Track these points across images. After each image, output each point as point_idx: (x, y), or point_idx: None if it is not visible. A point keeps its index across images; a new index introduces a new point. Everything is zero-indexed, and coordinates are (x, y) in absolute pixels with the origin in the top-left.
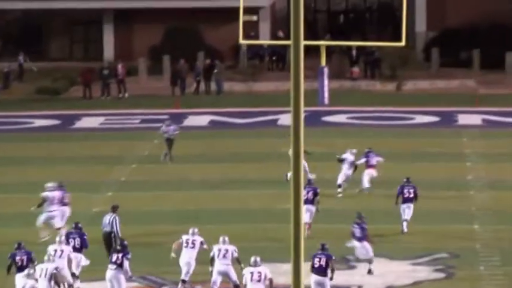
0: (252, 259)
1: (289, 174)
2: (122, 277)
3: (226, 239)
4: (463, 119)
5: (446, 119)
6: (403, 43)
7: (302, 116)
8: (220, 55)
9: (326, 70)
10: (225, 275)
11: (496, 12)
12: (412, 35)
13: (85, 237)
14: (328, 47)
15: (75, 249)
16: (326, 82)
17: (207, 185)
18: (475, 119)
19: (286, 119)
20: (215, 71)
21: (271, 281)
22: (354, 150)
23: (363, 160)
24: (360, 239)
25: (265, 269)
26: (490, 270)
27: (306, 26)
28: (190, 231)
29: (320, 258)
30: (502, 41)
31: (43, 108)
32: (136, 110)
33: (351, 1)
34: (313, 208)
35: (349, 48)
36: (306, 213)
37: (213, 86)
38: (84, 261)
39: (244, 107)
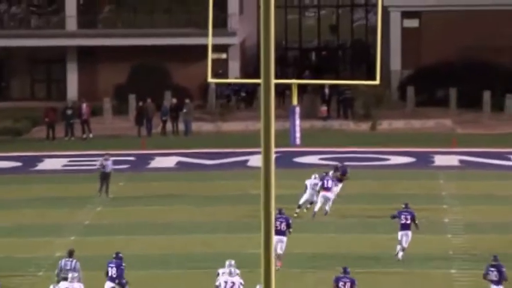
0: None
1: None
2: None
3: (233, 270)
4: (440, 160)
5: (422, 160)
6: (377, 81)
7: (273, 157)
8: (188, 94)
9: (298, 109)
10: None
11: (472, 49)
12: (386, 73)
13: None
14: (300, 86)
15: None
16: (298, 122)
17: (174, 228)
18: (452, 160)
19: (256, 160)
20: (184, 110)
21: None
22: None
23: (319, 184)
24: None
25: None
26: None
27: (277, 64)
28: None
29: (345, 283)
30: (479, 79)
31: (4, 149)
32: (101, 151)
33: (323, 38)
34: (284, 239)
35: (322, 86)
36: (278, 244)
37: (181, 126)
38: None
39: (213, 147)
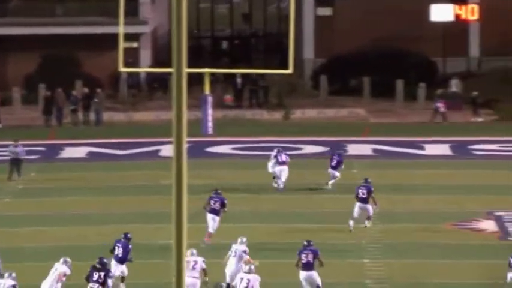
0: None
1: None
2: None
3: (195, 251)
4: (353, 149)
5: (335, 149)
6: (290, 70)
7: (185, 146)
8: (99, 83)
9: (210, 99)
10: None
11: (386, 38)
12: (299, 62)
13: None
14: (212, 75)
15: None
16: (210, 111)
17: (86, 219)
18: (365, 149)
19: (168, 150)
20: (95, 100)
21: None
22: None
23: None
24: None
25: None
26: None
27: (189, 53)
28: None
29: (307, 254)
30: (392, 68)
31: None
32: (10, 142)
33: (236, 27)
34: (217, 218)
35: (234, 76)
36: (210, 222)
37: (92, 115)
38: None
39: (124, 137)
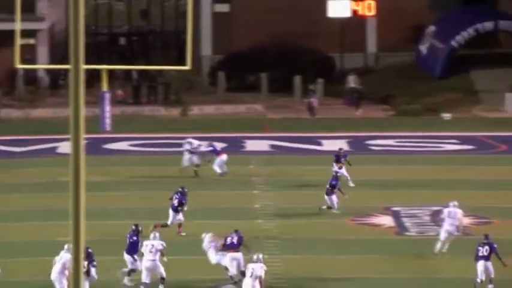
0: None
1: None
2: (87, 284)
3: (157, 234)
4: (251, 145)
5: (233, 145)
6: (188, 67)
7: (82, 143)
8: None
9: (108, 95)
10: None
11: (283, 35)
12: (197, 58)
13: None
14: (110, 72)
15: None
16: (108, 108)
17: None
18: (263, 145)
19: (65, 147)
20: None
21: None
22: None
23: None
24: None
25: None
26: None
27: (86, 49)
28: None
29: (232, 237)
30: (290, 64)
31: None
32: None
33: (134, 23)
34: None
35: (131, 72)
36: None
37: None
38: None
39: (21, 134)
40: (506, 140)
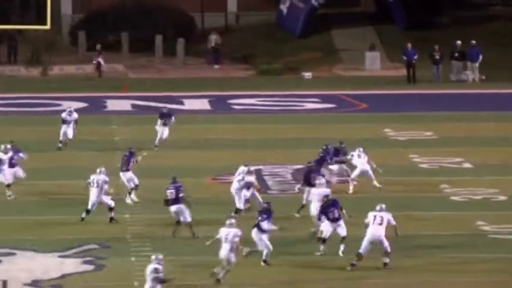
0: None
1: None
2: None
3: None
4: (112, 105)
5: (94, 105)
6: (48, 26)
7: None
8: None
9: None
10: None
11: None
12: (57, 17)
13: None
14: None
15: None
16: None
17: None
18: (124, 105)
19: None
20: None
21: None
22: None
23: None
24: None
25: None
26: (140, 261)
27: None
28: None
29: (172, 191)
30: (151, 23)
31: None
32: None
33: None
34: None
35: None
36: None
37: None
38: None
39: None
40: (366, 98)
